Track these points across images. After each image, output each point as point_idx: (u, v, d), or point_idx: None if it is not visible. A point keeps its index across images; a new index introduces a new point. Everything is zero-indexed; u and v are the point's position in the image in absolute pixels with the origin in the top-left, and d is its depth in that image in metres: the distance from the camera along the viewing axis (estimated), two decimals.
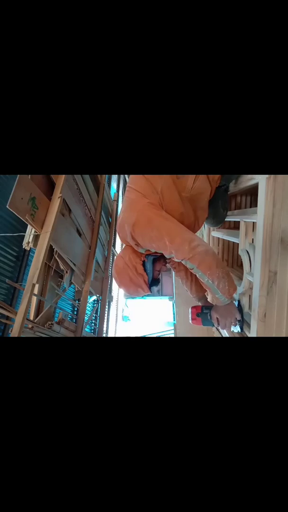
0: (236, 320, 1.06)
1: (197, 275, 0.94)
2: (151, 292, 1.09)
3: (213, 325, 1.13)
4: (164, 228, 0.92)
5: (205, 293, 1.28)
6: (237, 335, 1.21)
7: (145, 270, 1.02)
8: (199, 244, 0.91)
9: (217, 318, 1.07)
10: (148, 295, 7.51)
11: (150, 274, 1.04)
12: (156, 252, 1.04)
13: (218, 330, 1.34)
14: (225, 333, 1.39)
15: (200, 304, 1.27)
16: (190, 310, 1.18)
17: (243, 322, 1.11)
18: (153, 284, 1.07)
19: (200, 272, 0.91)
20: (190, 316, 1.18)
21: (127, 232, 0.98)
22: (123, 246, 1.12)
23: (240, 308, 1.11)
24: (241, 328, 1.11)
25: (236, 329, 1.12)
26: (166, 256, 0.97)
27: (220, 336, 1.35)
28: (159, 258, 1.08)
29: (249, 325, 1.06)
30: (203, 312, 1.15)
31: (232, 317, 1.05)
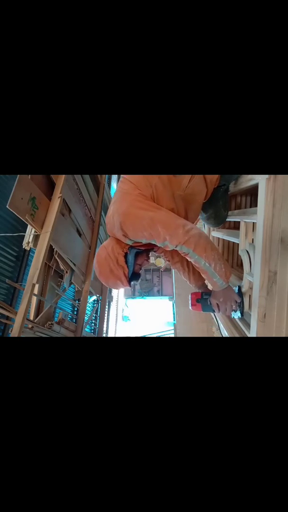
0: (236, 303, 1.05)
1: (193, 261, 0.94)
2: (130, 286, 1.08)
3: (213, 311, 1.12)
4: (156, 215, 0.92)
5: (205, 281, 1.27)
6: (239, 330, 1.21)
7: (126, 262, 1.01)
8: (193, 227, 0.91)
9: (216, 304, 1.06)
10: (148, 295, 7.52)
11: (131, 267, 1.02)
12: (142, 245, 1.03)
13: (216, 320, 1.32)
14: (225, 333, 1.39)
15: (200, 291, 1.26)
16: (189, 296, 1.17)
17: (243, 307, 1.09)
18: (133, 278, 1.06)
19: (197, 255, 0.91)
20: (190, 302, 1.16)
21: (115, 223, 0.97)
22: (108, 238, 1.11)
23: (240, 293, 1.09)
24: (242, 313, 1.09)
25: (236, 315, 1.10)
26: (159, 244, 0.95)
27: (220, 336, 1.35)
28: (142, 252, 1.07)
29: (249, 326, 1.07)
30: (203, 297, 1.14)
31: (231, 300, 1.04)
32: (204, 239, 0.91)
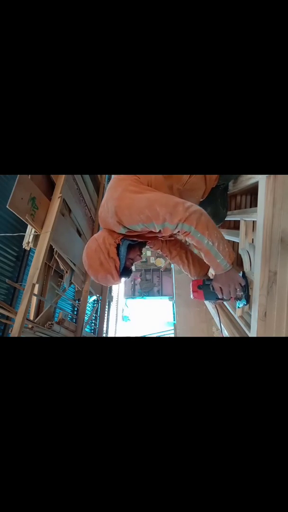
0: (241, 286, 0.99)
1: (195, 241, 0.88)
2: (120, 281, 1.02)
3: (216, 299, 1.04)
4: (153, 195, 0.87)
5: (207, 271, 1.21)
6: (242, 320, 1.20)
7: (118, 254, 0.94)
8: (192, 204, 0.86)
9: (220, 287, 1.00)
10: (148, 295, 7.53)
11: (123, 260, 0.96)
12: (136, 235, 0.97)
13: (218, 316, 1.25)
14: (225, 333, 1.39)
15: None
16: (190, 284, 1.09)
17: (248, 291, 1.03)
18: (124, 273, 1.00)
19: (199, 233, 0.85)
20: (191, 290, 1.09)
21: (109, 208, 0.91)
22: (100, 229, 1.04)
23: (244, 277, 1.03)
24: (247, 300, 1.03)
25: (241, 303, 1.05)
26: (158, 227, 0.88)
27: (221, 336, 1.35)
28: (134, 246, 1.02)
29: (249, 325, 1.06)
30: (205, 283, 1.06)
31: (235, 283, 0.98)
32: (205, 216, 0.86)
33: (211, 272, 1.12)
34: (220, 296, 1.02)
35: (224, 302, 1.48)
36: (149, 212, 0.85)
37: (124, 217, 0.89)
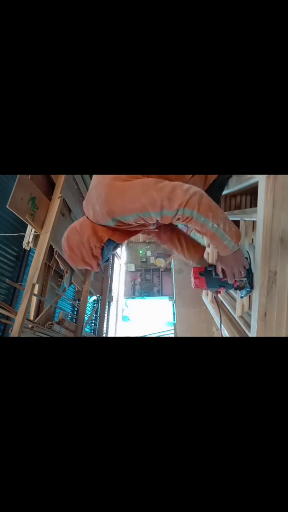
0: (245, 269, 0.94)
1: (198, 226, 0.80)
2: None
3: (219, 286, 0.99)
4: (148, 181, 0.78)
5: (202, 254, 1.14)
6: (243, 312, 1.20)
7: (102, 253, 0.90)
8: (191, 186, 0.78)
9: (222, 269, 0.94)
10: (148, 295, 7.53)
11: (106, 258, 0.93)
12: (124, 229, 0.90)
13: (221, 316, 1.21)
14: (225, 333, 1.39)
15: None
16: (191, 272, 1.03)
17: (252, 277, 0.98)
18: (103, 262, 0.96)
19: (202, 217, 0.76)
20: (192, 278, 1.03)
21: (99, 195, 0.80)
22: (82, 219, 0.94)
23: (248, 261, 0.97)
24: (251, 285, 0.98)
25: (245, 291, 1.00)
26: (155, 215, 0.78)
27: (220, 336, 1.35)
28: (117, 244, 0.96)
29: (249, 325, 1.07)
30: (207, 270, 1.00)
31: (240, 265, 0.92)
32: (206, 197, 0.78)
33: (208, 251, 1.07)
34: (223, 279, 0.96)
35: (224, 302, 1.48)
36: (144, 199, 0.75)
37: (116, 207, 0.79)
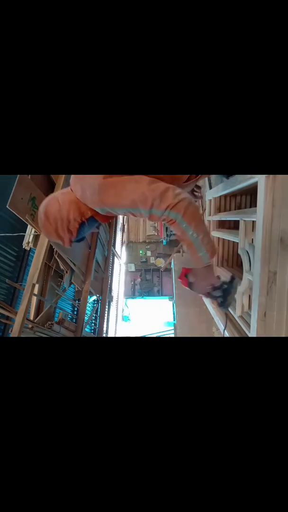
0: (217, 288, 0.94)
1: (179, 232, 0.82)
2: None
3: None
4: (143, 179, 0.78)
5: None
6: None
7: (79, 230, 0.88)
8: (182, 191, 0.80)
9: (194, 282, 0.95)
10: (148, 295, 7.53)
11: (81, 235, 0.90)
12: (106, 214, 0.88)
13: (225, 318, 1.20)
14: (225, 333, 1.39)
15: None
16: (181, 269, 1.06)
17: (227, 297, 0.98)
18: (76, 241, 0.94)
19: (185, 223, 0.78)
20: (180, 274, 1.05)
21: (91, 185, 0.79)
22: (66, 189, 0.90)
23: (230, 283, 0.97)
24: (223, 305, 0.98)
25: (222, 307, 0.99)
26: (144, 212, 0.80)
27: (221, 336, 1.35)
28: (99, 224, 0.94)
29: (249, 325, 1.07)
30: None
31: (207, 280, 0.92)
32: (194, 206, 0.80)
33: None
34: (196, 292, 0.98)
35: None
36: (136, 195, 0.77)
37: (108, 199, 0.79)
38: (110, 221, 0.96)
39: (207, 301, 2.01)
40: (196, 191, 1.20)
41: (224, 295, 0.97)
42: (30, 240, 2.21)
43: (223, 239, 1.72)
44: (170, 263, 5.60)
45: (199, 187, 1.22)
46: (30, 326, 2.10)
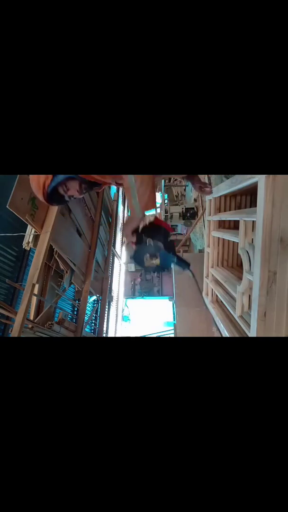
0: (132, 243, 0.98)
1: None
2: (46, 202, 0.96)
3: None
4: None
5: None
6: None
7: (53, 178, 0.90)
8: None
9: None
10: (148, 296, 7.52)
11: (56, 181, 0.91)
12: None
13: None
14: (225, 333, 1.39)
15: None
16: None
17: (164, 260, 1.01)
18: (53, 198, 0.95)
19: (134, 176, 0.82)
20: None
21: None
22: None
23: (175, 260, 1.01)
24: (163, 266, 1.02)
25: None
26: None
27: (220, 336, 1.35)
28: (74, 178, 0.94)
29: (249, 325, 1.06)
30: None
31: (129, 226, 0.97)
32: (153, 189, 0.86)
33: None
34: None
35: (224, 302, 1.48)
36: None
37: None
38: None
39: (207, 301, 2.01)
40: (206, 187, 1.20)
41: (160, 257, 0.99)
42: (30, 240, 2.21)
43: (223, 239, 1.72)
44: None
45: (205, 184, 1.22)
46: (30, 326, 2.10)
